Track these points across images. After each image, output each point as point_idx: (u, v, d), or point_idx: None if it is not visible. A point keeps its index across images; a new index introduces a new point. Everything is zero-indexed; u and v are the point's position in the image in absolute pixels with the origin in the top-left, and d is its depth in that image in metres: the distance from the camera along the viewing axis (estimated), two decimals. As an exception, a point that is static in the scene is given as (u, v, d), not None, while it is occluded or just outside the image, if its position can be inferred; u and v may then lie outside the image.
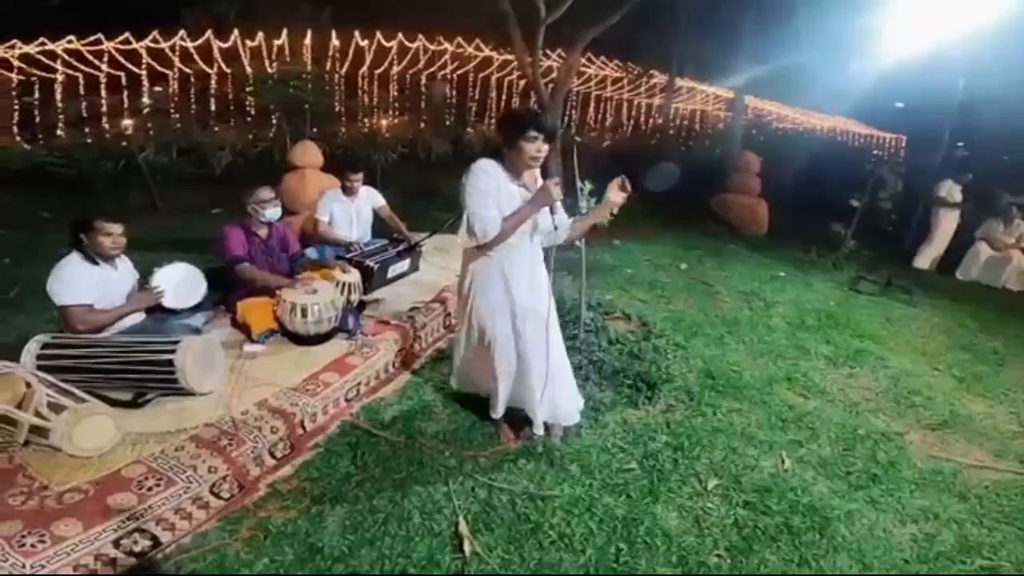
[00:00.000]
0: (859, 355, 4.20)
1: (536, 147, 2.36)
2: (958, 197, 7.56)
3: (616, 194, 2.57)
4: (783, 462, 2.78)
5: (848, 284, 6.23)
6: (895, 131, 29.48)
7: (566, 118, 17.35)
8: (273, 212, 3.48)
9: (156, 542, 1.98)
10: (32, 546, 1.78)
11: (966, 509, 2.57)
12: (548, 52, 13.10)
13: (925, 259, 7.71)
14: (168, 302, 3.03)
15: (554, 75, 10.80)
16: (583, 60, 14.17)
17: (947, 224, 7.65)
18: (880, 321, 5.10)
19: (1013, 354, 4.59)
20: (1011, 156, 13.14)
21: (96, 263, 2.77)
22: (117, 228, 2.79)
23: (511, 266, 2.50)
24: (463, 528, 2.17)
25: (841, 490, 2.61)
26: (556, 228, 2.51)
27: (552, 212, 2.48)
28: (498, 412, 2.76)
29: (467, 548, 2.08)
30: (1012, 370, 4.28)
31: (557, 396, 2.69)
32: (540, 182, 2.47)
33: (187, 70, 12.62)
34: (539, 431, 2.70)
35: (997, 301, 6.43)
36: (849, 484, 2.67)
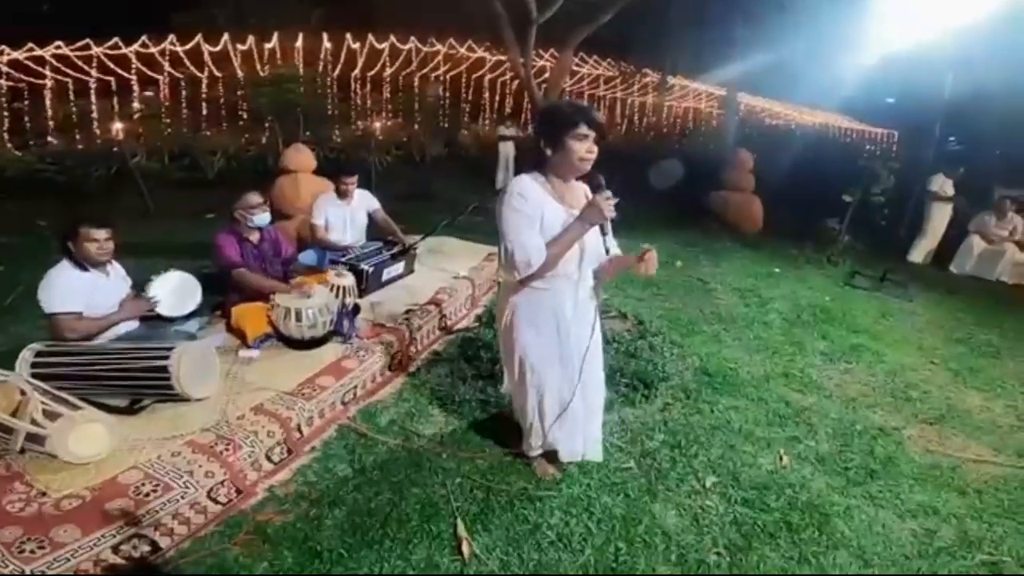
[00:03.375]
0: (855, 350, 4.21)
1: (587, 147, 2.01)
2: (950, 191, 7.60)
3: (646, 267, 2.10)
4: (781, 459, 2.78)
5: (843, 279, 6.25)
6: (887, 126, 29.63)
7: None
8: (262, 218, 3.47)
9: (155, 547, 1.98)
10: (32, 552, 1.78)
11: (965, 504, 2.57)
12: (541, 52, 13.11)
13: (919, 253, 7.74)
14: (163, 310, 3.03)
15: (547, 75, 10.81)
16: (576, 59, 14.17)
17: (940, 218, 7.69)
18: (875, 316, 5.12)
19: (1009, 347, 4.60)
20: (1002, 150, 13.22)
21: (86, 270, 2.76)
22: (103, 234, 2.76)
23: (559, 298, 2.17)
24: (461, 529, 2.16)
25: (840, 486, 2.62)
26: (608, 251, 2.05)
27: (603, 232, 2.03)
28: (536, 450, 2.48)
29: (466, 549, 2.08)
30: (1008, 363, 4.29)
31: (594, 431, 2.47)
32: (583, 198, 2.13)
33: (178, 74, 12.56)
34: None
35: (992, 294, 6.45)
36: (847, 480, 2.67)
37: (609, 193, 2.01)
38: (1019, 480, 2.78)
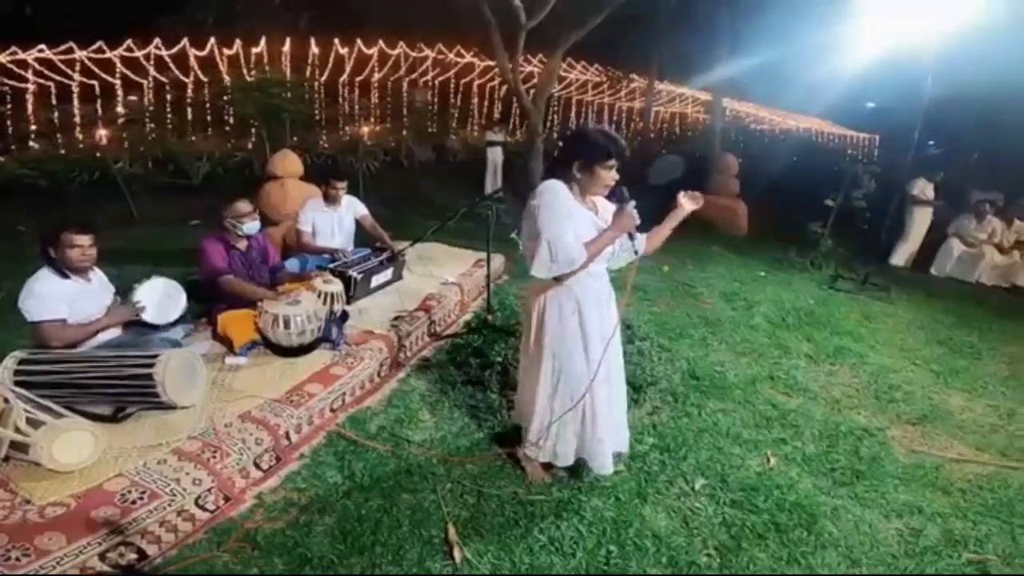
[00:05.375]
0: (839, 352, 4.27)
1: (612, 175, 2.21)
2: (930, 194, 7.74)
3: (690, 203, 2.44)
4: (768, 460, 2.81)
5: (827, 282, 6.33)
6: (868, 131, 30.13)
7: (548, 123, 17.44)
8: (251, 226, 3.44)
9: (142, 555, 1.96)
10: (16, 560, 1.76)
11: (950, 503, 2.62)
12: (529, 57, 13.18)
13: (900, 256, 7.87)
14: (149, 317, 2.99)
15: (535, 80, 10.87)
16: (564, 64, 14.25)
17: (920, 221, 7.83)
18: (858, 318, 5.20)
19: (989, 348, 4.70)
20: (981, 153, 13.49)
21: (68, 277, 2.72)
22: (85, 239, 2.72)
23: (587, 295, 2.31)
24: (453, 534, 2.16)
25: (826, 487, 2.65)
26: (637, 253, 2.28)
27: (631, 237, 2.26)
28: (544, 456, 2.50)
29: (457, 554, 2.08)
30: (989, 363, 4.38)
31: (623, 422, 2.58)
32: (601, 203, 2.34)
33: (163, 79, 12.43)
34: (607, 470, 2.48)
35: (971, 296, 6.58)
36: (834, 481, 2.71)
37: (635, 203, 2.22)
38: (1002, 479, 2.83)
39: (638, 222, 2.23)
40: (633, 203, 2.22)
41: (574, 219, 2.17)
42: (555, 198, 2.16)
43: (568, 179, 2.24)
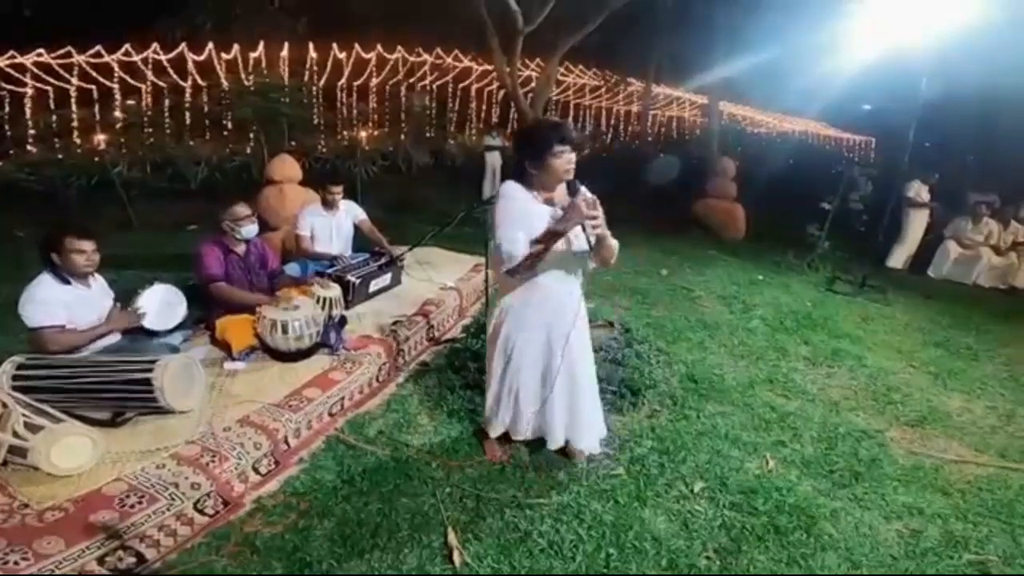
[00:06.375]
0: (837, 354, 4.27)
1: (566, 160, 2.21)
2: (926, 197, 7.77)
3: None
4: (767, 463, 2.81)
5: (824, 285, 6.34)
6: (864, 133, 30.23)
7: (545, 127, 17.40)
8: (250, 229, 3.44)
9: (141, 559, 1.96)
10: (15, 563, 1.76)
11: (950, 504, 2.62)
12: (527, 62, 13.22)
13: (898, 258, 7.89)
14: (149, 323, 2.99)
15: (533, 85, 10.90)
16: (561, 69, 14.29)
17: (917, 223, 7.85)
18: (856, 320, 5.21)
19: (987, 349, 4.71)
20: (976, 155, 13.54)
21: (68, 282, 2.71)
22: (89, 245, 2.72)
23: (550, 294, 2.35)
24: (452, 538, 2.16)
25: (825, 489, 2.65)
26: (590, 244, 2.23)
27: (584, 230, 2.20)
28: (498, 428, 2.66)
29: (457, 558, 2.07)
30: (987, 365, 4.39)
31: (586, 421, 2.62)
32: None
33: (161, 83, 12.44)
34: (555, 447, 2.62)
35: (968, 298, 6.60)
36: (833, 483, 2.71)
37: (586, 193, 2.21)
38: (1002, 480, 2.84)
39: (588, 214, 2.17)
40: (583, 196, 2.21)
41: (530, 218, 2.21)
42: (506, 200, 2.23)
43: (525, 179, 2.28)
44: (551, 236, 2.19)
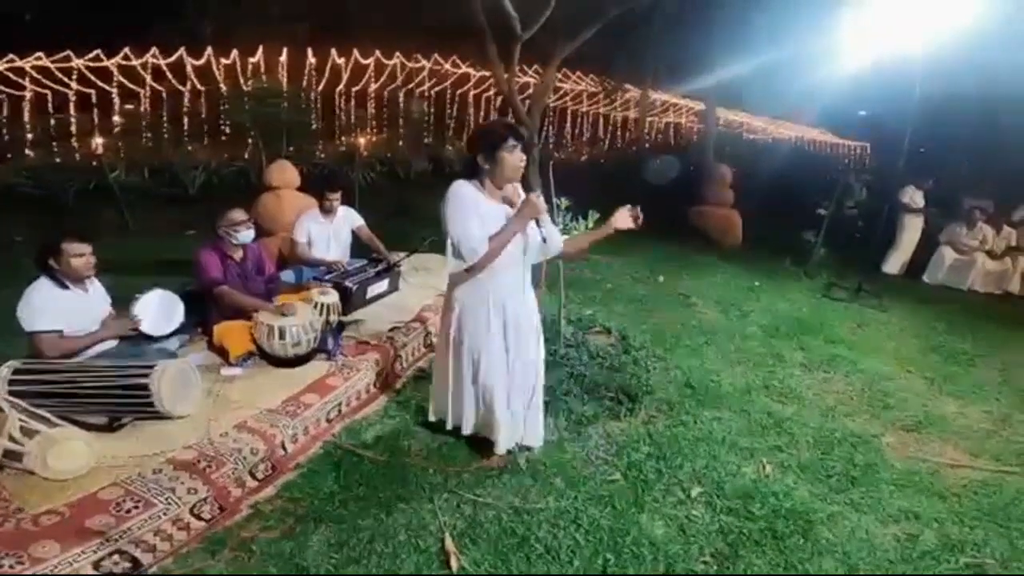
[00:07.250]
0: (833, 360, 4.29)
1: (518, 157, 2.32)
2: (920, 202, 7.80)
3: (624, 220, 2.51)
4: (764, 468, 2.81)
5: (820, 291, 6.36)
6: (859, 139, 30.37)
7: (543, 133, 17.52)
8: (246, 235, 3.45)
9: (136, 564, 1.95)
10: (10, 567, 1.76)
11: (946, 508, 2.62)
12: (525, 68, 13.27)
13: (893, 264, 7.92)
14: (146, 328, 2.99)
15: (531, 91, 10.94)
16: (559, 75, 14.36)
17: (912, 229, 7.88)
18: (852, 326, 5.22)
19: (982, 354, 4.72)
20: (971, 160, 13.60)
21: (66, 287, 2.72)
22: (87, 248, 2.73)
23: (502, 289, 2.43)
24: (449, 544, 2.16)
25: (822, 493, 2.66)
26: (545, 241, 2.40)
27: (539, 225, 2.38)
28: (450, 421, 2.72)
29: (454, 564, 2.07)
30: (982, 370, 4.40)
31: (536, 418, 2.68)
32: (523, 196, 2.41)
33: (159, 88, 12.46)
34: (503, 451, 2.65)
35: (964, 303, 6.62)
36: (829, 487, 2.71)
37: (539, 192, 2.34)
38: (997, 484, 2.85)
39: (543, 210, 2.33)
40: (538, 192, 2.33)
41: (481, 214, 2.28)
42: (456, 197, 2.30)
43: (478, 176, 2.37)
44: (509, 231, 2.30)
